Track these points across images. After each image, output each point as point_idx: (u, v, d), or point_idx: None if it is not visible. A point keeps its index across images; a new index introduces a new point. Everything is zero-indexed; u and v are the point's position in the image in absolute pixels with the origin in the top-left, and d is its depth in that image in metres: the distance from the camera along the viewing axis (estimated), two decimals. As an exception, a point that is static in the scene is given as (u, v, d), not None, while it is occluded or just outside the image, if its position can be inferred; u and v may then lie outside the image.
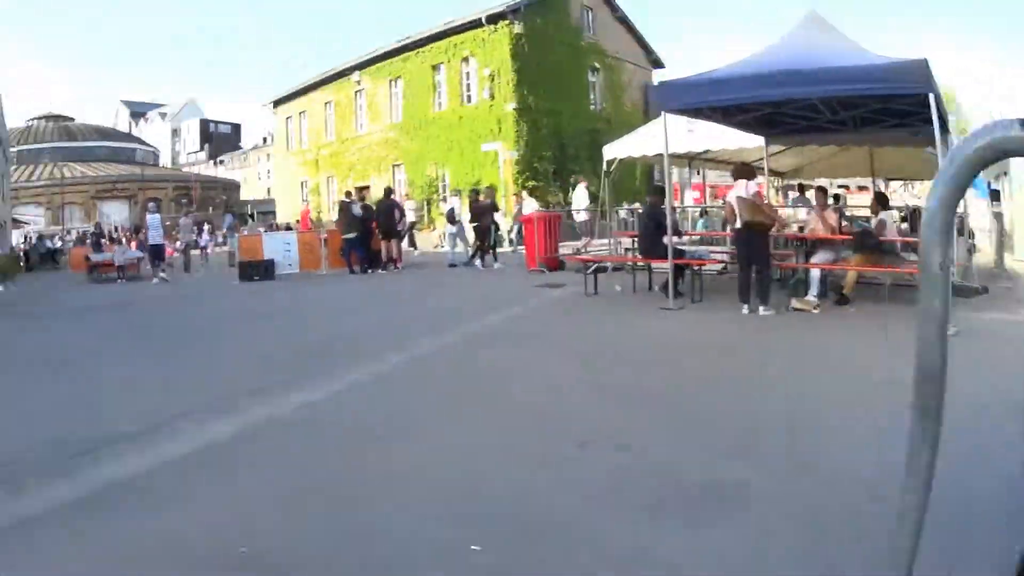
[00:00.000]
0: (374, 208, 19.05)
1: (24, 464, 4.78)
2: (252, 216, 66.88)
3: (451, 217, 19.09)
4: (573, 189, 27.47)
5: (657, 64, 40.20)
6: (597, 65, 35.22)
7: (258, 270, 18.38)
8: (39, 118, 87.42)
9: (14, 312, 15.42)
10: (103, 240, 30.65)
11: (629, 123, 33.52)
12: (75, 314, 14.22)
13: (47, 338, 11.18)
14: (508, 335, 8.76)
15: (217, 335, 10.41)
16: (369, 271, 18.14)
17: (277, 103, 46.89)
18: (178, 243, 28.94)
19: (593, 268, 11.83)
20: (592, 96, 35.23)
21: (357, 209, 18.43)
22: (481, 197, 19.49)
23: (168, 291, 18.18)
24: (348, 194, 19.92)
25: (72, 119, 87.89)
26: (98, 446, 5.03)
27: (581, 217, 19.38)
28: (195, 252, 27.83)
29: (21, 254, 37.72)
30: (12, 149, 67.67)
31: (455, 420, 5.56)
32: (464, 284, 15.23)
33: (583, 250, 15.28)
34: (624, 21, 37.34)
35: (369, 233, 18.52)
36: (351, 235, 18.22)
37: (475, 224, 18.37)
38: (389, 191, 19.96)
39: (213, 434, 5.35)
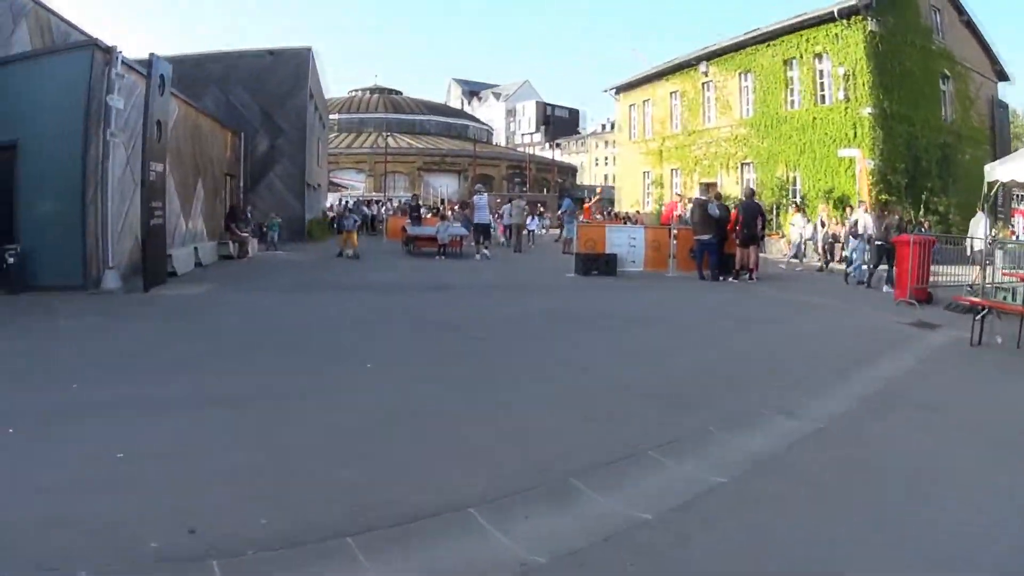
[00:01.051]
0: (730, 209, 18.53)
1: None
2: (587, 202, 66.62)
3: (854, 231, 18.36)
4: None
5: (1002, 76, 37.69)
6: (947, 72, 33.45)
7: (598, 264, 17.65)
8: (364, 89, 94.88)
9: (300, 282, 16.40)
10: (421, 212, 31.79)
11: (976, 139, 34.38)
12: (377, 291, 15.03)
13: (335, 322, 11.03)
14: (907, 403, 7.01)
15: (548, 345, 9.38)
16: (720, 278, 17.25)
17: (620, 90, 47.82)
18: (503, 221, 31.48)
19: (983, 313, 10.33)
20: (943, 106, 33.47)
21: (714, 209, 17.49)
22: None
23: (491, 275, 18.78)
24: (705, 191, 20.07)
25: (400, 92, 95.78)
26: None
27: (977, 246, 16.27)
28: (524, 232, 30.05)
29: (332, 215, 40.43)
30: (333, 116, 74.94)
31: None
32: (827, 307, 13.85)
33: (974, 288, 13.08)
34: (970, 25, 35.29)
35: (725, 236, 17.70)
36: (706, 237, 17.26)
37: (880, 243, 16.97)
38: (752, 192, 18.95)
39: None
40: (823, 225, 23.11)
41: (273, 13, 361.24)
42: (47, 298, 12.81)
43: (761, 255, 19.77)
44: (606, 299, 14.27)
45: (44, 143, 14.10)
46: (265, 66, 30.13)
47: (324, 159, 46.43)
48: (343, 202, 48.42)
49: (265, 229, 25.61)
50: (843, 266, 19.35)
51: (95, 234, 14.12)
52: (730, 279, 17.42)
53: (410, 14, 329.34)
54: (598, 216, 28.99)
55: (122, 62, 14.41)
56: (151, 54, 14.69)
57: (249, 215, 25.27)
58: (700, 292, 15.76)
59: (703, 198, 18.37)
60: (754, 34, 34.62)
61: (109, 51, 14.27)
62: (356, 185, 69.22)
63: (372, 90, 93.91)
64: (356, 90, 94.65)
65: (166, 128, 15.55)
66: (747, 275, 17.55)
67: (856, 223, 18.62)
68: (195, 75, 28.96)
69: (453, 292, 14.76)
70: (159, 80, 14.78)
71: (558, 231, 34.47)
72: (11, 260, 13.63)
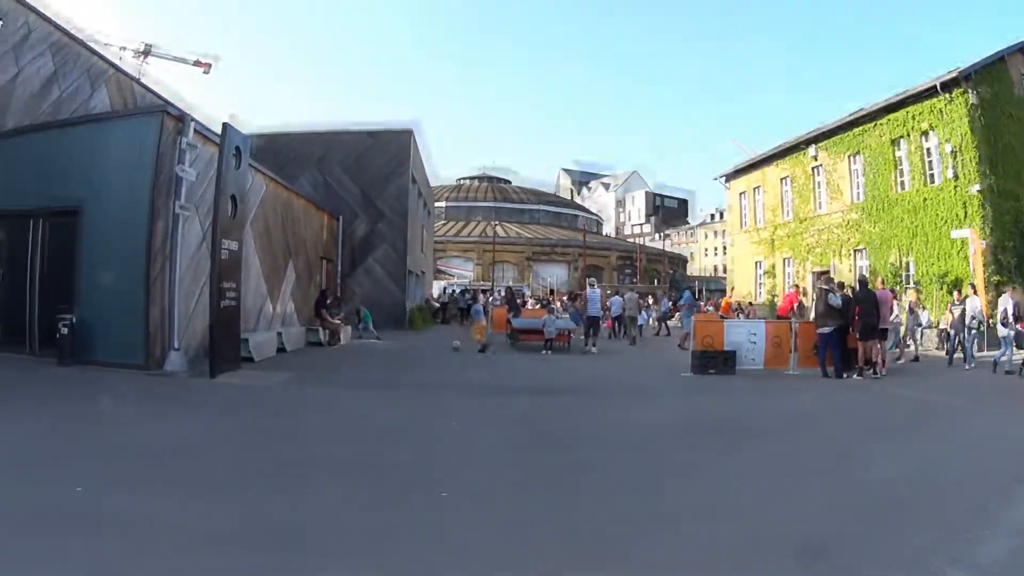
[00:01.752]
0: (852, 298, 17.07)
1: None
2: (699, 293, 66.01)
3: (1004, 319, 17.11)
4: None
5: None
6: None
7: (716, 362, 16.38)
8: (472, 178, 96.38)
9: (385, 379, 14.56)
10: (518, 303, 30.19)
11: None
12: (472, 392, 12.93)
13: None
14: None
15: (668, 472, 7.31)
16: (844, 375, 15.76)
17: (730, 177, 47.19)
18: (612, 313, 30.39)
19: None
20: None
21: (835, 299, 16.27)
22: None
23: (601, 375, 16.91)
24: (825, 280, 17.97)
25: (508, 181, 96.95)
26: None
27: None
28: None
29: (438, 305, 40.14)
30: (441, 204, 76.92)
31: None
32: (971, 410, 11.81)
33: None
34: None
35: (846, 328, 16.47)
36: (827, 329, 16.08)
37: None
38: (865, 280, 17.85)
39: None
40: (911, 312, 21.02)
41: (380, 97, 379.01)
42: (99, 374, 12.10)
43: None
44: (726, 405, 12.18)
45: (109, 210, 13.39)
46: (366, 147, 29.56)
47: (429, 246, 46.06)
48: (451, 290, 48.34)
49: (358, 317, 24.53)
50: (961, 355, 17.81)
51: (160, 311, 13.13)
52: (854, 375, 15.68)
53: (522, 103, 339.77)
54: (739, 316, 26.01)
55: (195, 131, 13.63)
56: (225, 123, 13.68)
57: (341, 301, 24.36)
58: (826, 393, 13.77)
59: (825, 287, 16.58)
60: (859, 114, 33.50)
61: (181, 119, 13.51)
62: (464, 273, 68.90)
63: (481, 178, 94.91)
64: (464, 178, 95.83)
65: (244, 203, 14.51)
66: (871, 371, 15.76)
67: (1006, 311, 16.91)
68: (292, 154, 28.94)
69: (560, 396, 12.69)
70: (234, 151, 13.79)
71: (659, 324, 33.74)
72: (64, 330, 12.98)
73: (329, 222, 26.89)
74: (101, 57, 15.29)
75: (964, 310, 17.74)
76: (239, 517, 5.11)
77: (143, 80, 26.91)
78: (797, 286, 32.87)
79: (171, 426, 8.53)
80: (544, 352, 20.68)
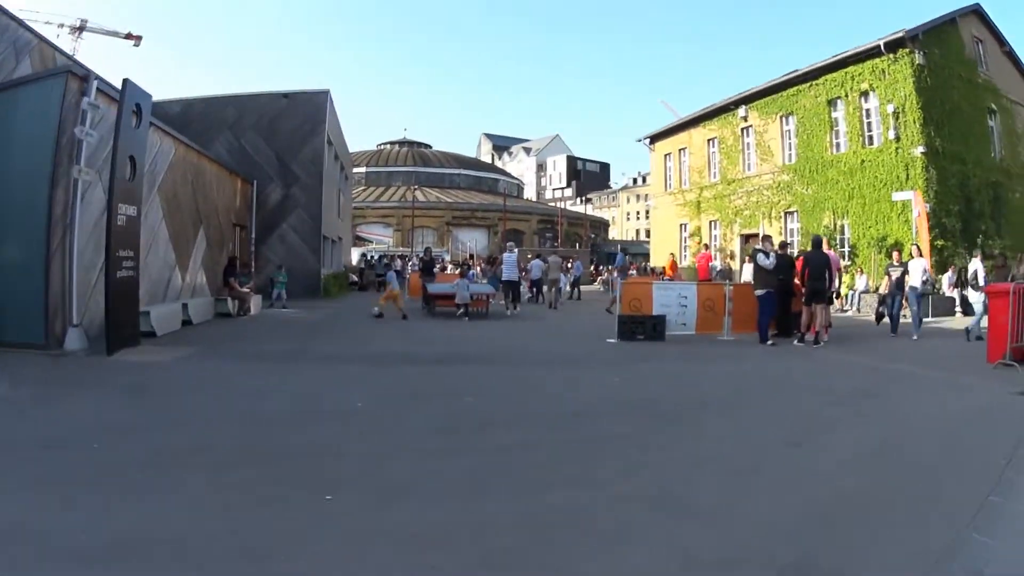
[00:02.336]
0: (793, 260, 16.46)
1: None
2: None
3: (974, 282, 17.16)
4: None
5: (1047, 108, 36.96)
6: (994, 106, 32.19)
7: (643, 327, 15.33)
8: (392, 143, 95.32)
9: (293, 350, 13.53)
10: (434, 269, 28.89)
11: (1024, 176, 33.57)
12: (383, 363, 12.25)
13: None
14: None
15: (605, 459, 6.40)
16: (770, 342, 15.06)
17: (654, 139, 46.85)
18: (532, 276, 29.77)
19: None
20: (992, 143, 32.10)
21: (766, 260, 15.35)
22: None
23: (520, 342, 16.13)
24: (761, 240, 16.95)
25: (429, 146, 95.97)
26: None
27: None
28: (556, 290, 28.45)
29: (354, 273, 39.67)
30: (360, 169, 77.40)
31: None
32: (919, 377, 11.29)
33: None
34: (1011, 56, 34.28)
35: (789, 292, 15.74)
36: (760, 292, 15.26)
37: None
38: (820, 241, 16.38)
39: None
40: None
41: (296, 63, 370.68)
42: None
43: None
44: (660, 375, 11.62)
45: (10, 181, 12.45)
46: (280, 110, 28.54)
47: (347, 211, 45.28)
48: (369, 257, 47.46)
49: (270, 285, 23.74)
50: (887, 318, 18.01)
51: (60, 286, 12.34)
52: (794, 342, 15.31)
53: (439, 68, 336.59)
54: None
55: (98, 90, 12.81)
56: (125, 80, 12.76)
57: (252, 268, 23.62)
58: (767, 361, 13.13)
59: (759, 247, 16.08)
60: (794, 74, 33.51)
61: (85, 78, 12.66)
62: (382, 239, 68.36)
63: (401, 143, 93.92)
64: (384, 143, 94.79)
65: (145, 166, 13.72)
66: (812, 338, 15.18)
67: (976, 273, 17.20)
68: (207, 119, 27.85)
69: (479, 366, 12.16)
70: (134, 109, 12.96)
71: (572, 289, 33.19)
72: None
73: (243, 187, 25.93)
74: (27, 28, 14.31)
75: (904, 273, 17.09)
76: (94, 525, 4.40)
77: (77, 57, 25.75)
78: (707, 246, 33.42)
79: (52, 413, 7.86)
80: (461, 318, 20.39)
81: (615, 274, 28.41)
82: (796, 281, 15.99)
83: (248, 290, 20.67)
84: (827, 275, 15.51)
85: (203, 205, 20.61)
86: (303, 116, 28.72)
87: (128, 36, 72.95)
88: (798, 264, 16.40)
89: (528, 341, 16.44)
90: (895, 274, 17.25)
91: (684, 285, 18.06)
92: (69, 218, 12.41)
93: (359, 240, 64.61)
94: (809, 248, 17.62)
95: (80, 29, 69.22)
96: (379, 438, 7.04)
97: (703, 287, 17.40)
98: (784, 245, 17.78)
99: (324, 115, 29.13)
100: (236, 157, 27.21)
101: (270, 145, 28.16)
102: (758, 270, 15.67)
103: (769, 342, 15.18)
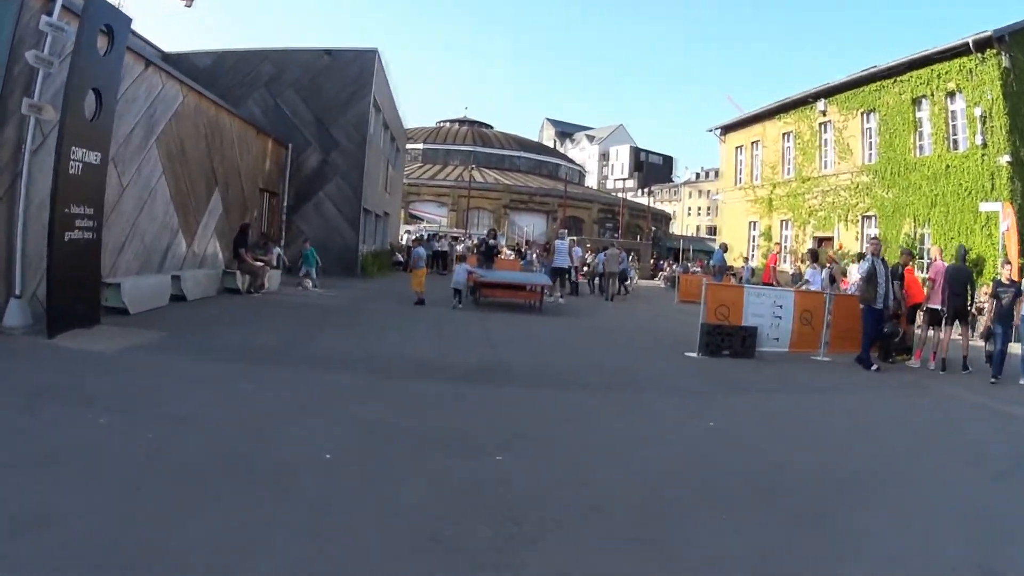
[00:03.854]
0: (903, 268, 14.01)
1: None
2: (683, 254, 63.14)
3: None
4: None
5: None
6: None
7: (732, 341, 12.68)
8: (452, 121, 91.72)
9: (287, 345, 10.99)
10: (497, 252, 27.00)
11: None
12: (399, 376, 9.22)
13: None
14: None
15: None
16: (875, 367, 12.60)
17: (726, 130, 43.16)
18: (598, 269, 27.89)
19: None
20: None
21: (871, 266, 12.97)
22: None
23: (578, 351, 12.80)
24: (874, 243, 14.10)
25: (490, 126, 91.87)
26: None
27: None
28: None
29: (400, 252, 36.64)
30: (417, 145, 74.60)
31: None
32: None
33: None
34: None
35: (898, 307, 13.60)
36: (869, 306, 12.75)
37: None
38: (964, 253, 14.55)
39: None
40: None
41: (354, 35, 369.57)
42: None
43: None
44: (763, 417, 8.46)
45: None
46: (322, 68, 25.69)
47: (397, 186, 42.34)
48: (417, 235, 44.33)
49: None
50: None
51: (3, 248, 9.81)
52: (910, 365, 13.03)
53: (505, 52, 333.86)
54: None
55: (66, 8, 10.13)
56: (89, -6, 10.25)
57: (270, 239, 21.01)
58: (885, 398, 10.21)
59: (875, 254, 13.23)
60: (875, 69, 30.32)
61: None
62: (436, 219, 65.29)
63: (461, 121, 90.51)
64: (444, 121, 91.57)
65: (112, 104, 10.86)
66: (934, 365, 12.80)
67: None
68: (238, 72, 25.37)
69: (516, 389, 8.89)
70: (103, 30, 10.29)
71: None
72: None
73: (275, 149, 23.34)
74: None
75: (1017, 297, 12.64)
76: None
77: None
78: (779, 246, 30.51)
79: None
80: (454, 309, 17.57)
81: (716, 275, 25.61)
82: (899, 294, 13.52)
83: (263, 263, 17.93)
84: (969, 292, 13.11)
85: (220, 165, 18.03)
86: (348, 77, 25.81)
87: None
88: (908, 274, 13.91)
89: (586, 347, 13.34)
90: (1006, 298, 12.61)
91: (780, 292, 15.05)
92: (19, 165, 9.91)
93: (412, 218, 62.14)
94: (950, 260, 15.39)
95: None
96: (334, 545, 3.99)
97: (801, 296, 14.49)
98: (910, 254, 15.22)
99: (371, 76, 26.14)
100: (271, 117, 24.60)
101: (309, 106, 25.37)
102: (867, 279, 12.85)
103: (874, 367, 12.48)
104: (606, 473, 5.83)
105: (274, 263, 19.19)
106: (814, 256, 19.60)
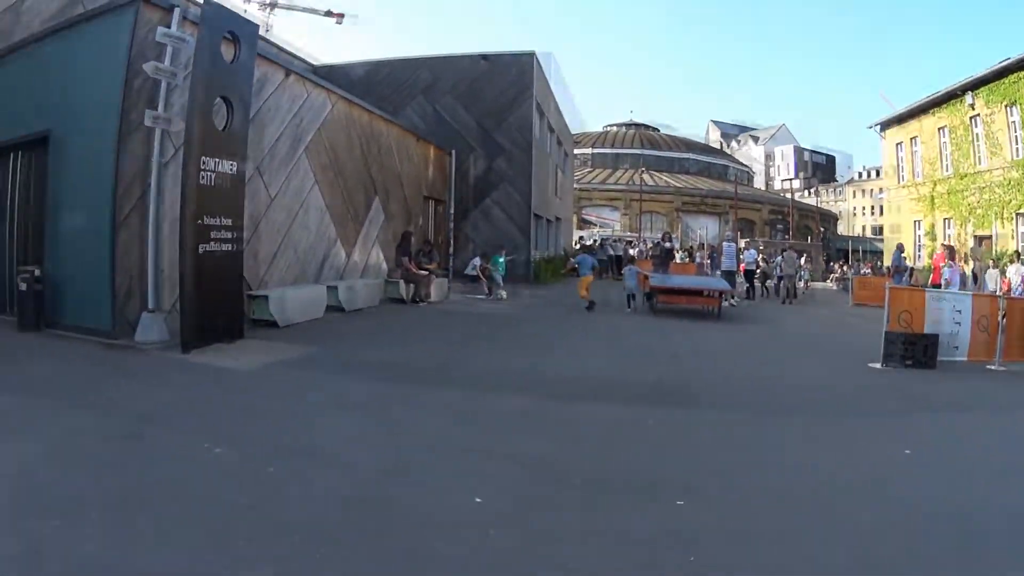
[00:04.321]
0: None
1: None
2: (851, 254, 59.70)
3: None
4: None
5: None
6: None
7: (914, 350, 10.97)
8: (619, 124, 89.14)
9: (447, 362, 9.65)
10: (671, 256, 25.14)
11: None
12: (563, 397, 7.80)
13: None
14: None
15: None
16: None
17: (885, 125, 39.93)
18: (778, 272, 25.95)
19: None
20: None
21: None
22: None
23: (760, 361, 11.28)
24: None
25: (657, 129, 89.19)
26: None
27: None
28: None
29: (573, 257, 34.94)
30: (587, 150, 73.15)
31: None
32: None
33: None
34: None
35: None
36: None
37: None
38: None
39: None
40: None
41: (519, 41, 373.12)
42: (52, 343, 8.98)
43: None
44: (970, 447, 6.52)
45: (75, 133, 9.73)
46: (480, 73, 24.85)
47: (567, 191, 41.02)
48: (592, 240, 42.79)
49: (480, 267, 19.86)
50: None
51: (137, 262, 9.39)
52: None
53: (667, 51, 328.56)
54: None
55: (185, 19, 9.62)
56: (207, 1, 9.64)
57: (434, 247, 19.56)
58: None
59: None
60: (1009, 62, 27.82)
61: (170, 9, 9.50)
62: (609, 223, 63.73)
63: (628, 125, 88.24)
64: (611, 125, 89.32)
65: (245, 112, 10.10)
66: None
67: None
68: (396, 83, 24.97)
69: (698, 414, 7.26)
70: (227, 37, 9.65)
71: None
72: (23, 286, 9.51)
73: (437, 156, 22.68)
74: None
75: None
76: None
77: (269, 34, 24.04)
78: (945, 246, 27.64)
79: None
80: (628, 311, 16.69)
81: (896, 277, 23.15)
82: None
83: (427, 272, 16.97)
84: None
85: (379, 173, 17.42)
86: (507, 81, 24.82)
87: (329, 14, 69.24)
88: None
89: (769, 360, 11.44)
90: None
91: (958, 297, 12.85)
92: (147, 178, 9.39)
93: (584, 223, 60.84)
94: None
95: (272, 5, 67.10)
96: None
97: (978, 300, 12.42)
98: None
99: (531, 79, 25.00)
100: (431, 124, 24.04)
101: (470, 112, 24.61)
102: None
103: None
104: (807, 521, 4.39)
105: (438, 272, 18.34)
106: (951, 253, 17.44)
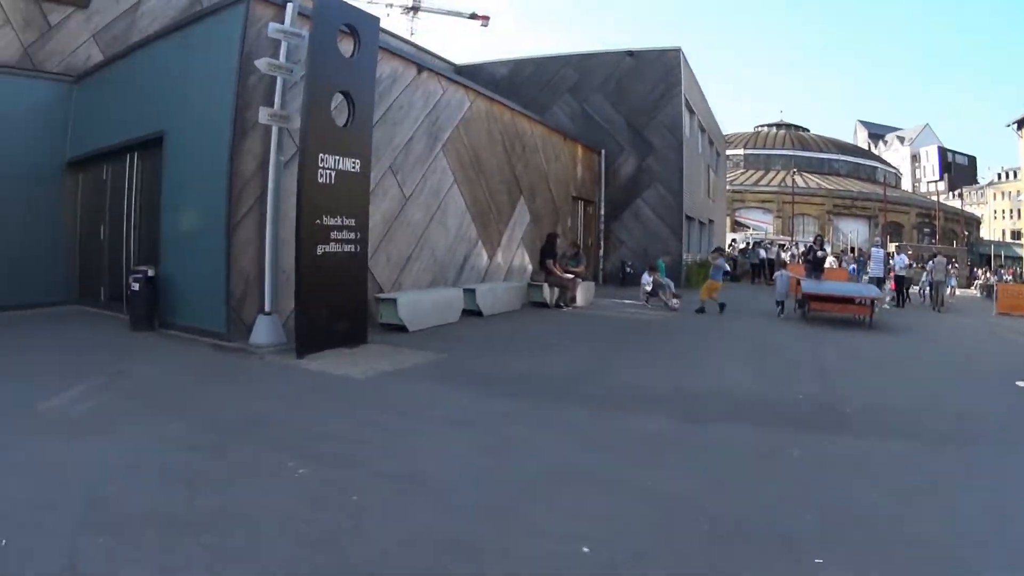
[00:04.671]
0: None
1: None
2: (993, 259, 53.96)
3: None
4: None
5: None
6: None
7: None
8: (769, 125, 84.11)
9: (576, 375, 8.07)
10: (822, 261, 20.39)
11: None
12: (679, 418, 6.28)
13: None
14: None
15: None
16: None
17: (1022, 124, 35.52)
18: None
19: None
20: None
21: None
22: None
23: (915, 370, 9.67)
24: None
25: (807, 129, 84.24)
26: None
27: None
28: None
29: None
30: (738, 151, 69.72)
31: None
32: None
33: None
34: None
35: None
36: None
37: None
38: None
39: None
40: None
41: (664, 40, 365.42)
42: (163, 343, 8.50)
43: None
44: None
45: (189, 134, 9.09)
46: (626, 70, 22.93)
47: (720, 192, 38.13)
48: (745, 243, 40.00)
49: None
50: None
51: (253, 262, 8.59)
52: None
53: (815, 50, 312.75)
54: None
55: (301, 14, 8.69)
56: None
57: (581, 250, 17.70)
58: None
59: None
60: None
61: (283, 4, 8.65)
62: (762, 225, 59.79)
63: (778, 125, 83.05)
64: (761, 125, 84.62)
65: (368, 108, 9.00)
66: None
67: None
68: (541, 82, 23.52)
69: (847, 442, 5.56)
70: (345, 30, 8.62)
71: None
72: (135, 286, 9.23)
73: (586, 155, 21.16)
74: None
75: None
76: None
77: (414, 38, 23.54)
78: None
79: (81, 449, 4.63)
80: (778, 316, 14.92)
81: None
82: None
83: (573, 275, 15.30)
84: None
85: (524, 172, 16.16)
86: (654, 77, 22.79)
87: (474, 16, 67.30)
88: None
89: (922, 376, 9.22)
90: None
91: None
92: (264, 177, 8.53)
93: (738, 226, 57.44)
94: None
95: (414, 9, 66.37)
96: None
97: None
98: None
99: (678, 76, 22.82)
100: (579, 123, 22.45)
101: (618, 110, 22.85)
102: None
103: None
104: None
105: (584, 275, 16.66)
106: None
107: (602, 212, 22.42)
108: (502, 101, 15.40)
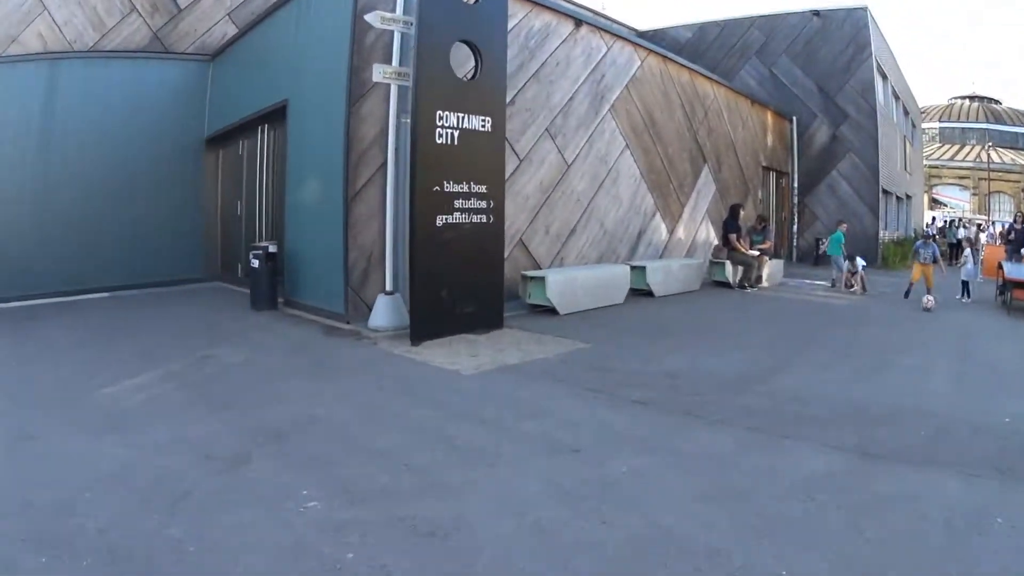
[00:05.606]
0: None
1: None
2: None
3: None
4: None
5: None
6: None
7: None
8: (963, 97, 70.15)
9: (739, 378, 5.49)
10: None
11: None
12: (853, 453, 3.84)
13: None
14: None
15: None
16: None
17: None
18: None
19: None
20: None
21: None
22: None
23: None
24: None
25: (999, 102, 73.06)
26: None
27: None
28: None
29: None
30: (933, 124, 59.92)
31: None
32: None
33: None
34: None
35: None
36: None
37: None
38: None
39: None
40: None
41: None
42: (278, 323, 7.00)
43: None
44: None
45: (309, 101, 7.39)
46: (812, 31, 18.82)
47: (917, 166, 31.83)
48: (944, 222, 34.05)
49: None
50: None
51: (372, 240, 6.77)
52: None
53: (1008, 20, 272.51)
54: None
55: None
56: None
57: (767, 223, 13.65)
58: None
59: None
60: None
61: None
62: (960, 203, 51.51)
63: (971, 98, 71.74)
64: (955, 97, 73.60)
65: (496, 58, 6.72)
66: None
67: None
68: (724, 43, 20.02)
69: None
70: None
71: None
72: (255, 263, 7.74)
73: (776, 122, 17.59)
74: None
75: None
76: None
77: (607, 12, 21.07)
78: None
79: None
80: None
81: None
82: None
83: (760, 252, 12.09)
84: None
85: (707, 138, 13.16)
86: (842, 39, 18.55)
87: None
88: None
89: None
90: None
91: None
92: (384, 145, 6.60)
93: (935, 203, 49.62)
94: None
95: None
96: None
97: None
98: None
99: (867, 37, 18.44)
100: (767, 87, 18.75)
101: (808, 74, 18.91)
102: None
103: None
104: None
105: (771, 253, 13.24)
106: None
107: (795, 184, 18.87)
108: (677, 60, 12.46)
